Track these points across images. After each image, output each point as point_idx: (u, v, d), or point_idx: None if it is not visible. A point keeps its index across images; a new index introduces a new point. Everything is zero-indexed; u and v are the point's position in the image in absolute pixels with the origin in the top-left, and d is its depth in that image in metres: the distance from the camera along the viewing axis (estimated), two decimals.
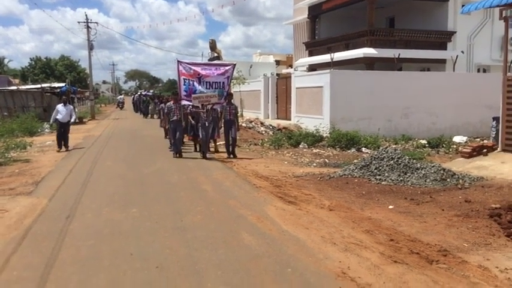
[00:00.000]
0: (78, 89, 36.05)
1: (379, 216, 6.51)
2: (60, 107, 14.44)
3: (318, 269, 4.57)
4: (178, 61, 13.17)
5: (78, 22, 32.43)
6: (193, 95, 12.42)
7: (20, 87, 27.15)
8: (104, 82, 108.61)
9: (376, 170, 8.85)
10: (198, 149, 13.52)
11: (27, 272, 4.50)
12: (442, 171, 8.57)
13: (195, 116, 12.74)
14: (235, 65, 13.82)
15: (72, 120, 14.74)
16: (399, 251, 5.07)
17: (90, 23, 32.09)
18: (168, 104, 13.13)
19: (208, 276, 4.36)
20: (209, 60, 42.64)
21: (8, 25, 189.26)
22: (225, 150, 12.98)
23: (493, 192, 7.65)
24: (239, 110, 15.97)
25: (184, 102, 12.88)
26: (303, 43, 29.03)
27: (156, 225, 6.08)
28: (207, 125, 12.09)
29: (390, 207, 6.98)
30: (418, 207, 6.91)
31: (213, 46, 38.13)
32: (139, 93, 44.46)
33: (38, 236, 5.65)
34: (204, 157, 12.10)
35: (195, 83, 12.84)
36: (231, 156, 12.45)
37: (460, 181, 8.31)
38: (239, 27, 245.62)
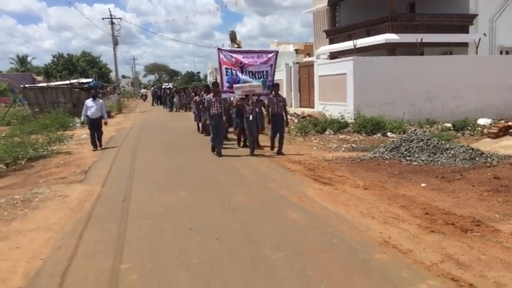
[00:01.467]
0: (105, 84, 36.79)
1: (413, 193, 6.91)
2: (89, 102, 13.27)
3: (361, 239, 5.03)
4: (219, 49, 11.88)
5: (103, 18, 33.12)
6: (235, 85, 11.21)
7: (50, 84, 27.94)
8: (123, 77, 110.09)
9: (406, 152, 9.23)
10: (242, 145, 12.83)
11: (101, 247, 5.06)
12: (470, 151, 8.92)
13: (240, 109, 11.98)
14: (277, 52, 12.41)
15: (105, 119, 13.67)
16: (435, 223, 5.48)
17: (114, 18, 32.79)
18: (208, 96, 11.81)
19: (264, 246, 4.86)
20: None
21: (28, 23, 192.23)
22: (268, 144, 12.05)
23: None
24: None
25: (224, 95, 11.73)
26: (324, 31, 29.19)
27: (206, 206, 6.61)
28: (251, 118, 11.10)
29: (423, 185, 7.37)
30: (449, 185, 7.29)
31: (233, 37, 38.28)
32: (162, 86, 45.02)
33: (102, 217, 6.23)
34: (252, 153, 11.13)
35: (237, 73, 11.56)
36: (276, 152, 11.36)
37: (489, 159, 8.65)
38: (255, 17, 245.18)
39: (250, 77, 11.59)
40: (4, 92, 52.24)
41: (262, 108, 12.29)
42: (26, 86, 27.90)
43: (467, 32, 23.57)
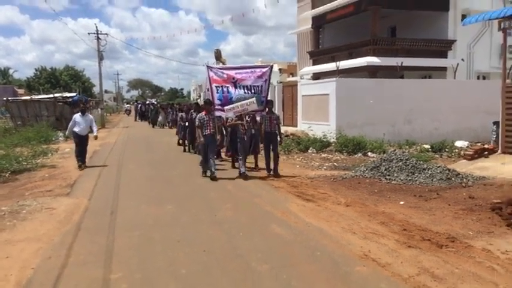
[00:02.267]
0: (89, 98, 36.72)
1: (392, 210, 7.20)
2: (78, 117, 12.19)
3: (343, 252, 5.27)
4: (208, 66, 11.47)
5: (89, 33, 33.19)
6: (225, 108, 10.67)
7: (34, 97, 27.85)
8: (106, 91, 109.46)
9: (385, 171, 9.56)
10: (233, 166, 12.17)
11: (91, 257, 5.20)
12: (447, 171, 9.29)
13: (234, 129, 11.30)
14: (272, 66, 11.68)
15: (95, 133, 12.62)
16: (412, 238, 5.76)
17: (100, 34, 32.97)
18: (200, 115, 10.65)
19: (251, 258, 5.07)
20: None
21: (9, 36, 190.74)
22: (263, 166, 11.38)
23: (494, 190, 8.34)
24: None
25: (218, 113, 11.06)
26: (307, 52, 29.81)
27: (194, 219, 6.80)
28: (245, 139, 10.61)
29: (401, 203, 7.68)
30: (426, 203, 7.61)
31: (218, 56, 38.70)
32: (146, 102, 45.03)
33: (90, 229, 6.35)
34: (243, 176, 10.38)
35: (229, 89, 11.01)
36: (272, 173, 10.79)
37: (464, 180, 9.02)
38: (239, 36, 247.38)
39: (245, 92, 11.03)
40: None
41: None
42: (9, 98, 27.75)
43: (445, 57, 24.39)
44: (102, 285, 4.37)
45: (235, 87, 11.05)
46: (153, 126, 32.01)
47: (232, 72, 11.21)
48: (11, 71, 77.68)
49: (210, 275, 4.60)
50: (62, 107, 26.50)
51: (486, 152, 11.49)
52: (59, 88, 59.19)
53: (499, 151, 11.44)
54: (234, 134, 11.39)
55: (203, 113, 10.58)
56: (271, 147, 10.87)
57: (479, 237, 5.78)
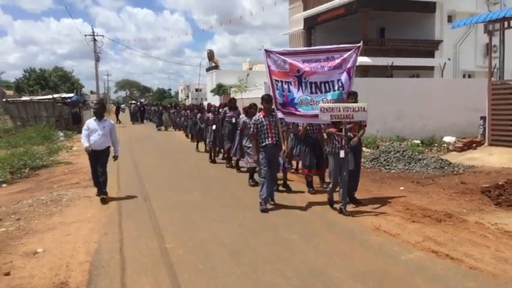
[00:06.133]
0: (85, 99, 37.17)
1: (394, 194, 8.12)
2: (91, 123, 8.09)
3: (358, 226, 6.19)
4: (266, 50, 7.89)
5: (85, 35, 33.79)
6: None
7: (33, 98, 28.33)
8: (92, 92, 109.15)
9: (384, 162, 10.52)
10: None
11: (143, 232, 6.02)
12: (440, 161, 10.29)
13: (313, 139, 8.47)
14: (360, 47, 7.93)
15: (116, 152, 8.46)
16: (415, 216, 6.68)
17: (97, 35, 33.61)
18: (256, 117, 7.54)
19: (280, 230, 5.96)
20: (207, 70, 44.20)
21: None
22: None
23: (483, 176, 9.35)
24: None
25: (280, 115, 7.68)
26: None
27: (221, 203, 7.67)
28: (342, 156, 6.92)
29: (401, 188, 8.61)
30: (423, 188, 8.55)
31: (210, 56, 39.74)
32: (138, 102, 44.44)
33: (132, 212, 7.17)
34: (346, 212, 6.80)
35: (291, 87, 7.80)
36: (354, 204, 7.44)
37: (456, 168, 10.03)
38: (226, 36, 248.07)
39: (313, 92, 7.81)
40: None
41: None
42: (9, 99, 28.24)
43: (433, 56, 25.54)
44: (161, 252, 5.20)
45: (300, 84, 7.80)
46: (158, 129, 28.06)
47: (298, 61, 7.83)
48: None
49: (250, 243, 5.47)
50: (61, 108, 27.03)
51: (474, 145, 12.53)
52: (48, 89, 59.40)
53: (486, 143, 12.49)
54: (310, 144, 8.49)
55: (261, 114, 7.51)
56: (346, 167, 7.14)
57: (472, 214, 6.71)
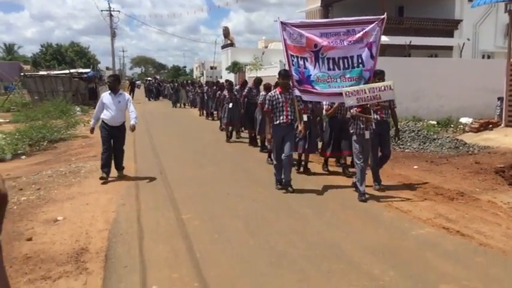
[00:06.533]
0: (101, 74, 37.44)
1: (407, 173, 8.17)
2: (107, 96, 7.76)
3: (370, 202, 6.26)
4: (281, 23, 7.24)
5: (102, 10, 33.87)
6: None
7: (50, 73, 28.60)
8: (107, 68, 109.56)
9: (399, 141, 10.49)
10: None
11: (160, 204, 6.18)
12: (455, 141, 10.27)
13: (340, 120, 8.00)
14: (384, 19, 7.26)
15: (132, 121, 7.73)
16: (427, 194, 6.73)
17: (113, 11, 33.66)
18: (272, 93, 7.17)
19: (294, 205, 6.07)
20: (222, 47, 44.02)
21: (9, 11, 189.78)
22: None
23: (498, 157, 9.32)
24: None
25: (297, 93, 7.21)
26: None
27: (235, 178, 7.81)
28: (367, 136, 6.61)
29: (415, 167, 8.64)
30: (437, 167, 8.57)
31: (226, 33, 39.56)
32: (151, 79, 44.44)
33: (148, 185, 7.34)
34: (362, 199, 6.38)
35: (307, 63, 7.17)
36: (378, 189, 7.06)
37: (471, 149, 10.01)
38: (241, 13, 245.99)
39: (330, 68, 7.12)
40: None
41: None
42: (26, 74, 28.56)
43: (452, 36, 25.09)
44: (177, 222, 5.36)
45: (317, 60, 7.13)
46: (174, 106, 27.83)
47: (316, 34, 7.15)
48: (15, 47, 78.35)
49: (264, 216, 5.59)
50: (78, 83, 27.29)
51: (490, 126, 12.44)
52: (64, 65, 59.92)
53: (502, 124, 12.39)
54: (335, 126, 8.10)
55: (277, 91, 7.10)
56: (380, 146, 7.16)
57: (485, 193, 6.74)
